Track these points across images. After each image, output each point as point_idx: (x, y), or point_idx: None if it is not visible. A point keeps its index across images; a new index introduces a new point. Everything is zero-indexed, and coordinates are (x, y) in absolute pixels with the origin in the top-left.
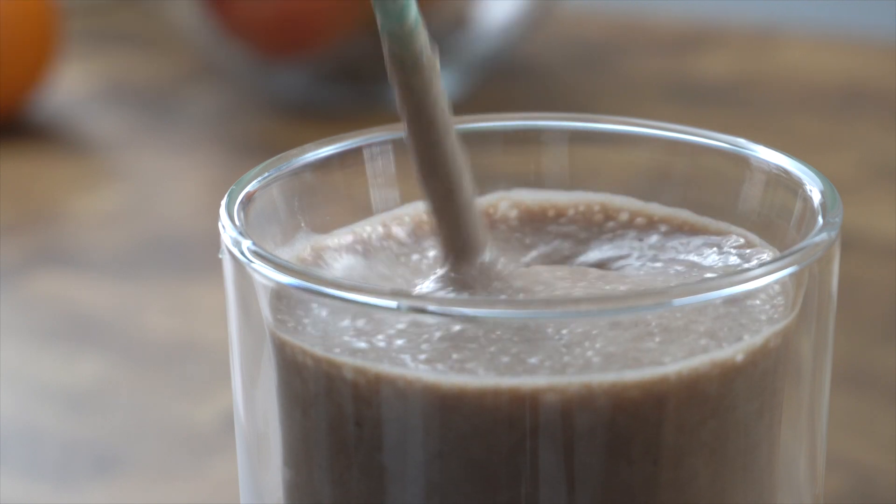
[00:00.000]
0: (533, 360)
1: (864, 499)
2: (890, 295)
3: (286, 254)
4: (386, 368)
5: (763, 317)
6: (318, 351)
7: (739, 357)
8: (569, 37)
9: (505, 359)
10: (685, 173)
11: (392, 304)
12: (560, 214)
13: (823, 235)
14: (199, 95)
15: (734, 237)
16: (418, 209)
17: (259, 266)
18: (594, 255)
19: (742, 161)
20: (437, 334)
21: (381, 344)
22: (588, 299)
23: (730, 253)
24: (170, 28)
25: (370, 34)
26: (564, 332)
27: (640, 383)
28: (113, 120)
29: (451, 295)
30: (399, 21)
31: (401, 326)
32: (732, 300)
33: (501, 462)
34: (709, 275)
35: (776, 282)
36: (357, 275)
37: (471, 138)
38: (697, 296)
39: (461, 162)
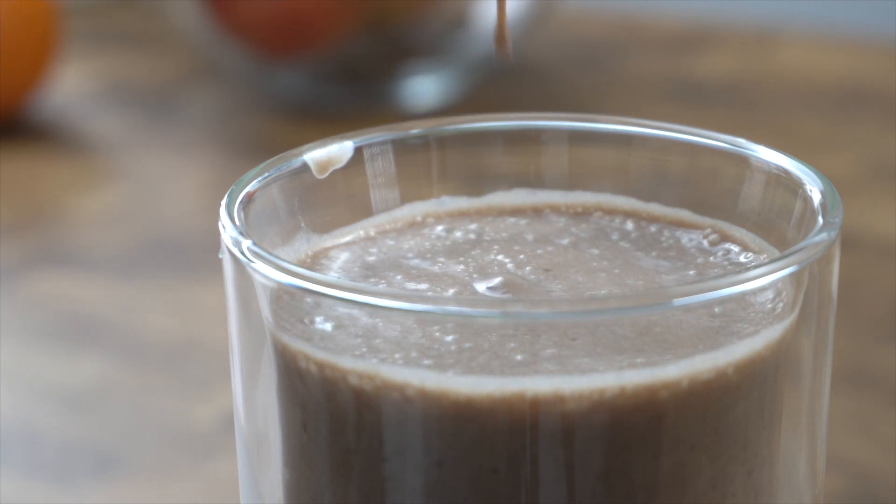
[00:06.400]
0: (537, 364)
1: (864, 499)
2: (890, 295)
3: (286, 254)
4: (392, 375)
5: (763, 317)
6: (320, 355)
7: (739, 357)
8: (569, 37)
9: (511, 363)
10: (685, 173)
11: (396, 305)
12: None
13: (823, 235)
14: (199, 95)
15: (734, 237)
16: (418, 209)
17: (259, 266)
18: (592, 253)
19: (742, 161)
20: (446, 338)
21: (386, 348)
22: (588, 300)
23: (730, 253)
24: (170, 28)
25: (370, 34)
26: (568, 334)
27: (641, 385)
28: (113, 120)
29: (456, 296)
30: None
31: (405, 330)
32: (732, 300)
33: (505, 468)
34: (709, 275)
35: (776, 282)
36: (358, 275)
37: (471, 138)
38: (697, 296)
39: None
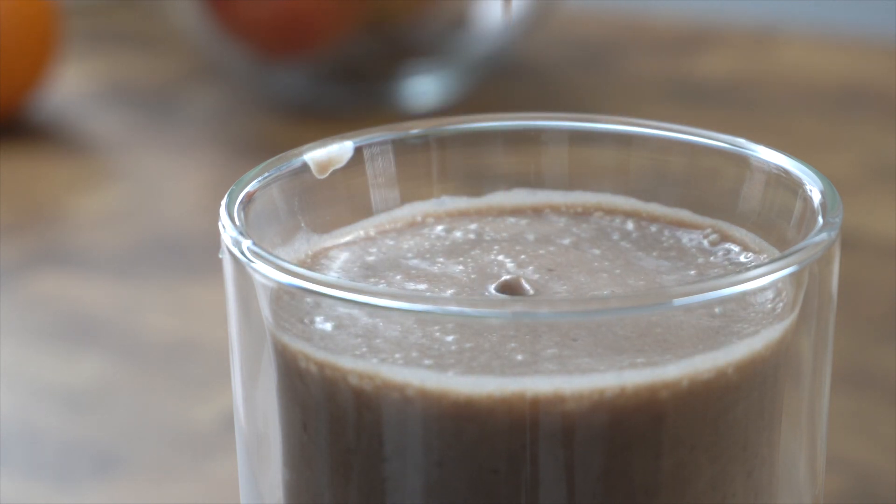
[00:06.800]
0: (538, 365)
1: (864, 499)
2: (890, 295)
3: (286, 254)
4: (392, 374)
5: (763, 317)
6: (320, 355)
7: (739, 357)
8: (569, 37)
9: (511, 363)
10: (685, 173)
11: (396, 305)
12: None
13: (823, 235)
14: (199, 95)
15: (734, 237)
16: (418, 209)
17: (259, 266)
18: (593, 253)
19: (742, 161)
20: (446, 338)
21: (386, 348)
22: (589, 300)
23: (730, 253)
24: (170, 28)
25: (370, 34)
26: (569, 334)
27: (641, 385)
28: (113, 120)
29: (456, 296)
30: None
31: (405, 330)
32: (732, 300)
33: (505, 468)
34: (709, 275)
35: (776, 282)
36: (357, 275)
37: (471, 138)
38: (697, 296)
39: None
